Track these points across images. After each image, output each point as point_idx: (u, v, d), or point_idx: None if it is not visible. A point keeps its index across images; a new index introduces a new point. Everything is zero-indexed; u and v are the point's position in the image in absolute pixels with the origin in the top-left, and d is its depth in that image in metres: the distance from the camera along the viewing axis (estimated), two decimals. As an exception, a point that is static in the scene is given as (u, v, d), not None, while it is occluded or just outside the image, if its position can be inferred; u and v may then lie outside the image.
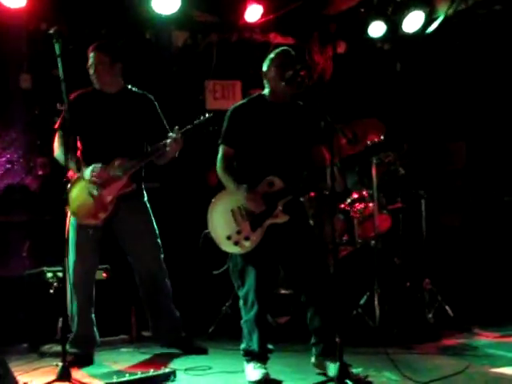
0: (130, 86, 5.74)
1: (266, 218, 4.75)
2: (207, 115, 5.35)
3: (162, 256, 5.83)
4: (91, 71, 5.53)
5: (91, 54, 5.52)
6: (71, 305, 5.41)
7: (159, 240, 5.79)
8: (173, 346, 5.84)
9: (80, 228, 5.43)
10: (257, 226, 4.75)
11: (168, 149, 5.29)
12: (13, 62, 7.59)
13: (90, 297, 5.62)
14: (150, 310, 5.87)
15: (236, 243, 4.79)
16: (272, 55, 4.95)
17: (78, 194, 5.40)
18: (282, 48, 5.01)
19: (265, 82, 4.99)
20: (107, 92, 5.60)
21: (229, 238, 4.81)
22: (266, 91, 4.99)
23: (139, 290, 5.85)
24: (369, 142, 5.98)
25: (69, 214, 5.46)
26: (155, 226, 5.74)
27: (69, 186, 5.29)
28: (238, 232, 4.79)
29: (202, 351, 5.78)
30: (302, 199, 5.46)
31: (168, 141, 5.28)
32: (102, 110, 5.53)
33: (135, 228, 5.63)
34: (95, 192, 5.31)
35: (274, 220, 4.75)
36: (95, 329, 5.67)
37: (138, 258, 5.74)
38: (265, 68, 4.96)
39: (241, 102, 5.13)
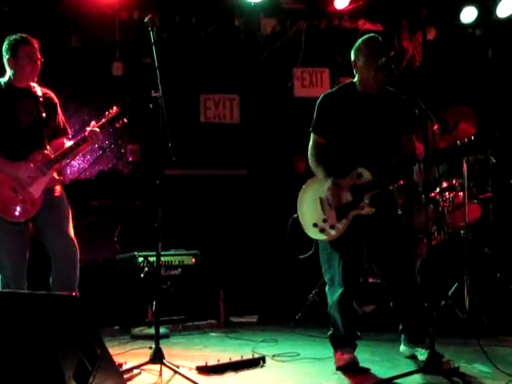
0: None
1: (351, 209, 4.74)
2: (115, 108, 5.05)
3: None
4: (34, 65, 5.08)
5: (33, 49, 5.05)
6: None
7: None
8: None
9: (6, 223, 5.00)
10: (342, 217, 4.75)
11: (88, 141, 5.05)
12: (105, 50, 7.78)
13: None
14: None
15: (322, 231, 4.82)
16: (360, 44, 4.85)
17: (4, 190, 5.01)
18: (370, 35, 4.91)
19: (354, 71, 4.91)
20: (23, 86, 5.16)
21: (315, 225, 4.85)
22: (356, 80, 4.92)
23: None
24: (458, 143, 5.85)
25: None
26: (69, 212, 5.22)
27: None
28: (324, 220, 4.81)
29: None
30: (390, 188, 5.40)
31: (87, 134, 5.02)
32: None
33: (51, 214, 5.13)
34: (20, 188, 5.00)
35: (359, 211, 4.72)
36: None
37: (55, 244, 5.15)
38: (353, 57, 4.88)
39: (330, 90, 5.09)
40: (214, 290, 6.81)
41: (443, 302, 6.16)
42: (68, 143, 5.22)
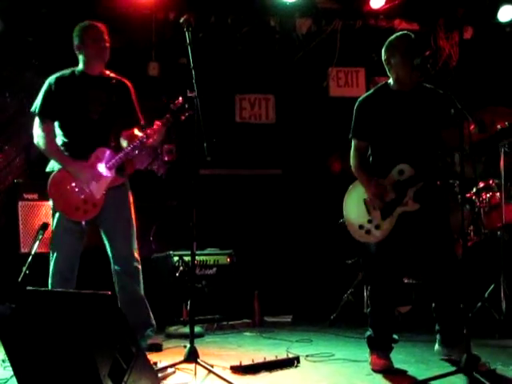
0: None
1: (395, 207, 4.69)
2: (180, 98, 5.06)
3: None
4: (99, 47, 5.25)
5: (98, 31, 5.26)
6: None
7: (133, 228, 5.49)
8: None
9: (66, 221, 5.15)
10: (387, 215, 4.70)
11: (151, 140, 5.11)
12: (141, 51, 7.84)
13: None
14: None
15: (367, 232, 4.78)
16: (394, 41, 4.79)
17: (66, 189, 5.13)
18: (403, 33, 4.86)
19: (387, 69, 4.86)
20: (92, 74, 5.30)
21: (361, 227, 4.81)
22: (391, 79, 4.87)
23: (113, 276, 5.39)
24: (499, 126, 5.77)
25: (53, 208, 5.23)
26: (132, 215, 5.44)
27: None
28: (370, 221, 4.77)
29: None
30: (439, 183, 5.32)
31: (149, 132, 5.11)
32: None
33: (115, 217, 5.30)
34: (82, 188, 5.11)
35: (404, 208, 4.68)
36: None
37: (114, 246, 5.37)
38: (386, 55, 4.82)
39: (367, 93, 5.03)
40: (249, 289, 6.83)
41: (479, 304, 6.12)
42: (137, 132, 5.24)
